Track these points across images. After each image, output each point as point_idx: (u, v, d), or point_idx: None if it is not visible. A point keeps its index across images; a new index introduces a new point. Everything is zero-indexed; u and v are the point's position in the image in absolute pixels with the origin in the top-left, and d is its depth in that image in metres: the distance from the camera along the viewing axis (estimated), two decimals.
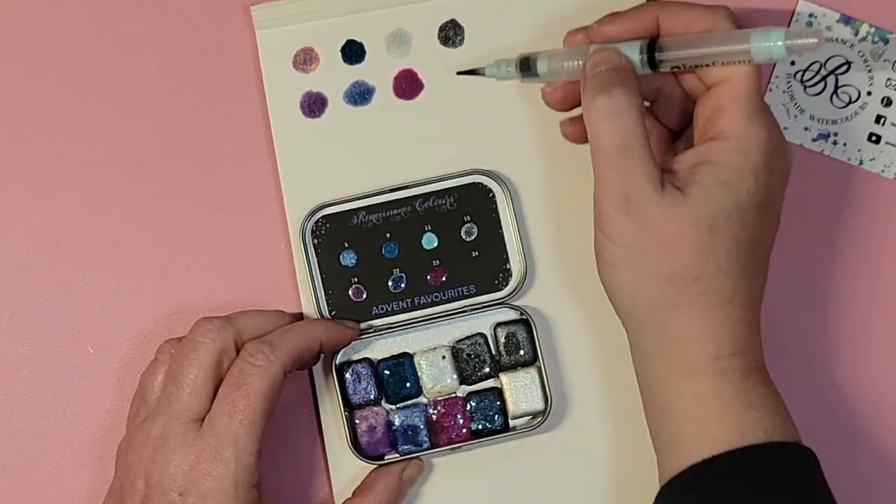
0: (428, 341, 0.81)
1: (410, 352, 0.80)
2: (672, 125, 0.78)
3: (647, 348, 0.74)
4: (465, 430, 0.80)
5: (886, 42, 0.83)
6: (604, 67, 0.73)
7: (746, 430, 0.71)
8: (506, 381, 0.80)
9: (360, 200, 0.80)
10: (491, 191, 0.81)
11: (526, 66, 0.77)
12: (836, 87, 0.83)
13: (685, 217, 0.71)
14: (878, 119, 0.83)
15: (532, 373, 0.80)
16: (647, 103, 0.77)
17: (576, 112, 0.77)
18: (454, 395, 0.80)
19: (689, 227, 0.71)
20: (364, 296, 0.80)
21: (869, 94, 0.83)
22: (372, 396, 0.80)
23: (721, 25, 0.74)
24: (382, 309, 0.80)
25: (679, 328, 0.72)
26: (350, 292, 0.80)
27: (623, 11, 0.76)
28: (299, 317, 0.80)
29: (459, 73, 0.80)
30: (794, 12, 0.83)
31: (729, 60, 0.72)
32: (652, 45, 0.74)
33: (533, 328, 0.80)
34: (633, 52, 0.74)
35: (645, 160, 0.72)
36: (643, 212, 0.71)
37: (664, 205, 0.71)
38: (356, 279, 0.80)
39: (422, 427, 0.80)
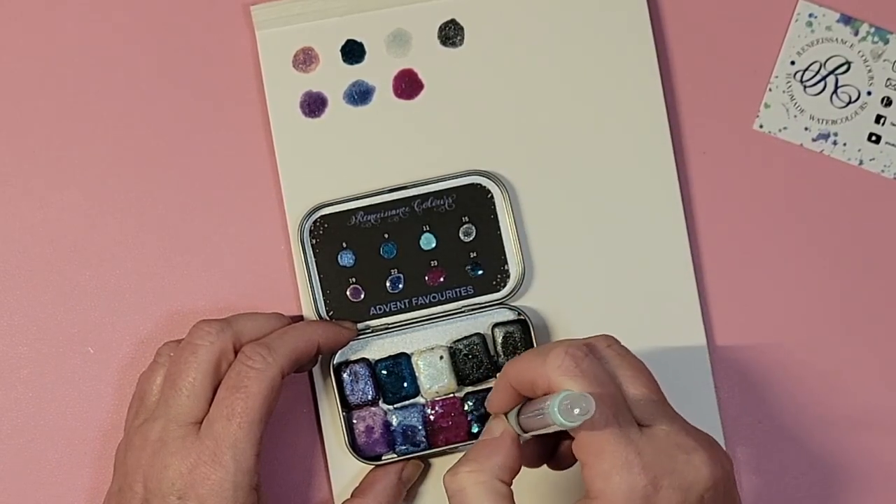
0: (426, 341, 0.81)
1: (408, 352, 0.80)
2: None
3: None
4: (462, 431, 0.80)
5: (886, 42, 0.83)
6: (481, 439, 0.71)
7: None
8: None
9: (359, 200, 0.80)
10: (489, 192, 0.81)
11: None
12: (836, 87, 0.83)
13: None
14: (878, 119, 0.83)
15: None
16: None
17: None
18: (452, 395, 0.80)
19: None
20: (362, 296, 0.80)
21: (869, 93, 0.83)
22: (369, 397, 0.80)
23: (542, 375, 0.67)
24: (380, 309, 0.80)
25: None
26: (348, 292, 0.80)
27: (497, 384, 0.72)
28: (298, 319, 0.80)
29: None
30: (793, 12, 0.83)
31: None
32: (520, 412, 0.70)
33: (531, 329, 0.80)
34: (513, 419, 0.71)
35: None
36: None
37: None
38: (354, 279, 0.80)
39: (420, 427, 0.80)
